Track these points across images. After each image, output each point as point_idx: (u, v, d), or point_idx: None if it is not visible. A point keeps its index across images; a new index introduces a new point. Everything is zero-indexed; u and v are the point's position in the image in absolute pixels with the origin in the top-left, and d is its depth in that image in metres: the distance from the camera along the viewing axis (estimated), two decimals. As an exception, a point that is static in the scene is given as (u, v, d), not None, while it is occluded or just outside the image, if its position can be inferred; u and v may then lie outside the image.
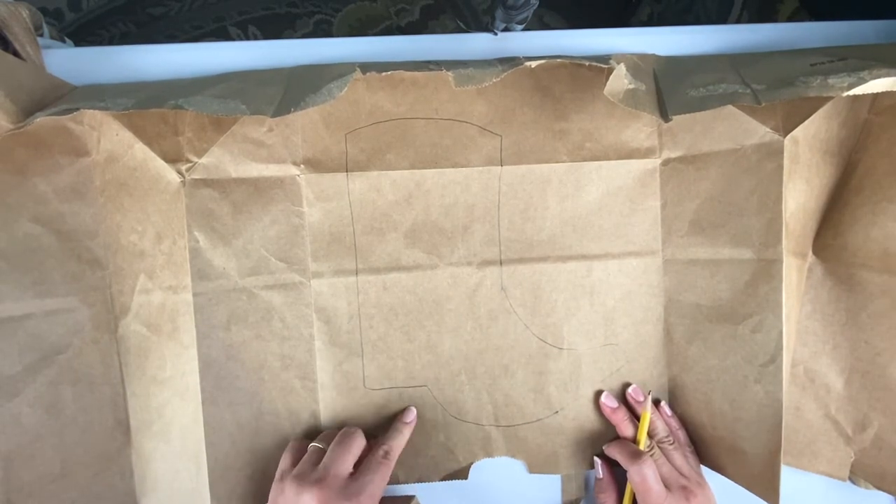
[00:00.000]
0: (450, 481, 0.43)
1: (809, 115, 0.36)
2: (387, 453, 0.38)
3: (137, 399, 0.38)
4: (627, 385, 0.43)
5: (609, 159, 0.41)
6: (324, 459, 0.36)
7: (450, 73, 0.32)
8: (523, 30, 0.42)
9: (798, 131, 0.36)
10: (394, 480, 0.43)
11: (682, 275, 0.42)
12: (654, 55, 0.41)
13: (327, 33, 1.02)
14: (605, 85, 0.33)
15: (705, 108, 0.30)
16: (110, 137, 0.36)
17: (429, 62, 0.36)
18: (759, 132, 0.38)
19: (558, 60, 0.33)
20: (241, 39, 1.00)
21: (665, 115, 0.31)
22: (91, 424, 0.36)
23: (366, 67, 0.33)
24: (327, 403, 0.42)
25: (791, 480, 0.40)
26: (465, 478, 0.43)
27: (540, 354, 0.43)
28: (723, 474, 0.41)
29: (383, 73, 0.34)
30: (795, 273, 0.39)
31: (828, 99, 0.35)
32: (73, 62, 0.39)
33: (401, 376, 0.42)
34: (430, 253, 0.42)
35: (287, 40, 0.41)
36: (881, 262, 0.38)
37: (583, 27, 0.42)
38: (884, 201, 0.37)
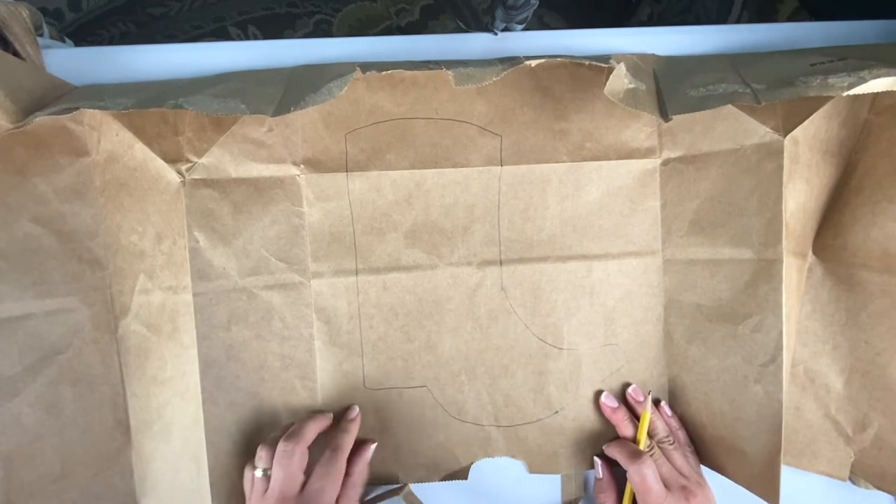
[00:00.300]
0: (450, 481, 0.43)
1: (809, 115, 0.36)
2: (333, 451, 0.37)
3: (138, 399, 0.38)
4: (627, 385, 0.43)
5: (609, 159, 0.41)
6: (270, 484, 0.36)
7: (450, 72, 0.32)
8: (523, 30, 0.42)
9: (798, 131, 0.36)
10: (393, 480, 0.43)
11: (682, 275, 0.42)
12: (654, 55, 0.41)
13: (327, 33, 1.02)
14: (605, 85, 0.33)
15: (705, 108, 0.30)
16: (110, 137, 0.36)
17: (429, 62, 0.36)
18: (759, 132, 0.38)
19: (558, 60, 0.33)
20: (241, 39, 1.00)
21: (665, 115, 0.31)
22: (91, 424, 0.36)
23: (366, 67, 0.33)
24: (327, 403, 0.42)
25: (791, 480, 0.40)
26: (465, 478, 0.43)
27: (540, 354, 0.43)
28: (723, 474, 0.41)
29: (383, 73, 0.34)
30: (795, 273, 0.39)
31: (828, 99, 0.35)
32: (73, 62, 0.39)
33: (401, 376, 0.42)
34: (430, 253, 0.42)
35: (287, 40, 0.41)
36: (881, 262, 0.38)
37: (583, 27, 0.42)
38: (884, 201, 0.37)
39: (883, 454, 0.40)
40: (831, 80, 0.28)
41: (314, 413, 0.41)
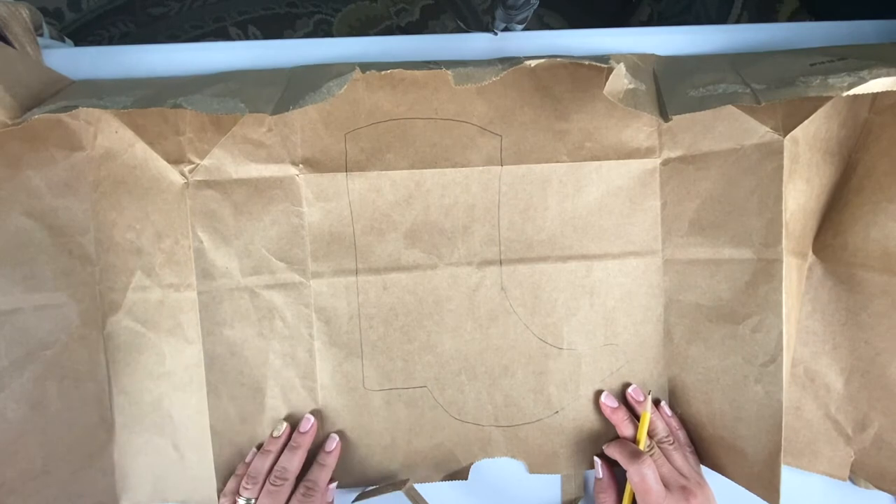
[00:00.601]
0: (450, 481, 0.43)
1: (809, 115, 0.36)
2: (307, 490, 0.38)
3: (126, 395, 0.37)
4: (627, 385, 0.43)
5: (609, 159, 0.41)
6: None
7: (449, 72, 0.32)
8: (523, 30, 0.42)
9: (798, 131, 0.36)
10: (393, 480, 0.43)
11: (682, 275, 0.42)
12: (654, 55, 0.41)
13: (327, 33, 1.02)
14: (604, 85, 0.33)
15: (705, 108, 0.30)
16: (108, 134, 0.36)
17: (428, 62, 0.36)
18: (759, 132, 0.38)
19: (558, 60, 0.33)
20: (241, 39, 1.00)
21: (665, 115, 0.31)
22: (75, 421, 0.36)
23: (365, 67, 0.33)
24: (327, 403, 0.42)
25: (791, 480, 0.40)
26: (465, 478, 0.43)
27: (540, 354, 0.43)
28: (723, 474, 0.41)
29: (383, 73, 0.34)
30: (795, 273, 0.39)
31: (828, 99, 0.35)
32: (73, 62, 0.39)
33: (400, 377, 0.42)
34: (430, 253, 0.42)
35: (287, 40, 0.41)
36: (881, 262, 0.38)
37: (583, 27, 0.42)
38: (884, 201, 0.37)
39: (883, 454, 0.40)
40: (831, 80, 0.28)
41: (296, 435, 0.40)
